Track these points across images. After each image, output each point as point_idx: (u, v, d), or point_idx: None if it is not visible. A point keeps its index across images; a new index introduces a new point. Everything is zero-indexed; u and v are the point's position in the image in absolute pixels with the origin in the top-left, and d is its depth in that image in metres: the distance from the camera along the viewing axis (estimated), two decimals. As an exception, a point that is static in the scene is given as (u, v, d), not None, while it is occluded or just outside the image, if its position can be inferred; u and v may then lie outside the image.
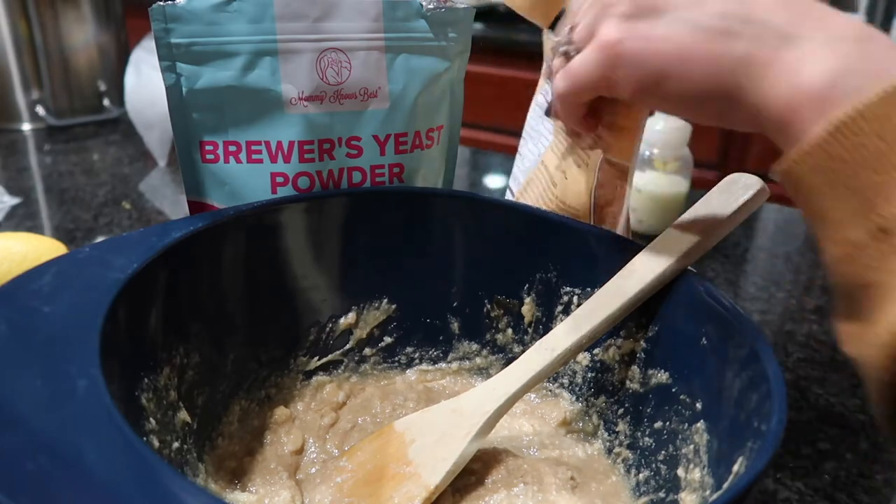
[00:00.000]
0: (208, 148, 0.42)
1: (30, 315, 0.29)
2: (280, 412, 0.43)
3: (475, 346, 0.48)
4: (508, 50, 1.62)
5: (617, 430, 0.41)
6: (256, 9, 0.39)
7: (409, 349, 0.48)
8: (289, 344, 0.45)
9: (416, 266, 0.46)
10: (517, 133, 0.55)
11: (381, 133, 0.44)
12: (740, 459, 0.28)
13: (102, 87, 1.12)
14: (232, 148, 0.42)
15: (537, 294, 0.45)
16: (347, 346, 0.47)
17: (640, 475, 0.39)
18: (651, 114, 0.58)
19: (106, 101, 1.12)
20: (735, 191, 0.39)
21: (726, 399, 0.32)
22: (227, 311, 0.41)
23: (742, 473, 0.27)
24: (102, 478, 0.21)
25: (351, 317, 0.46)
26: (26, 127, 1.07)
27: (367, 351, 0.48)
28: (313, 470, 0.40)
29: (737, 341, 0.32)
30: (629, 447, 0.40)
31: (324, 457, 0.41)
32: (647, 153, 0.77)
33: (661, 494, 0.36)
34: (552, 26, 0.47)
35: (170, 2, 0.38)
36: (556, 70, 0.38)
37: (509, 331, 0.46)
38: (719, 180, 0.40)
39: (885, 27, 1.80)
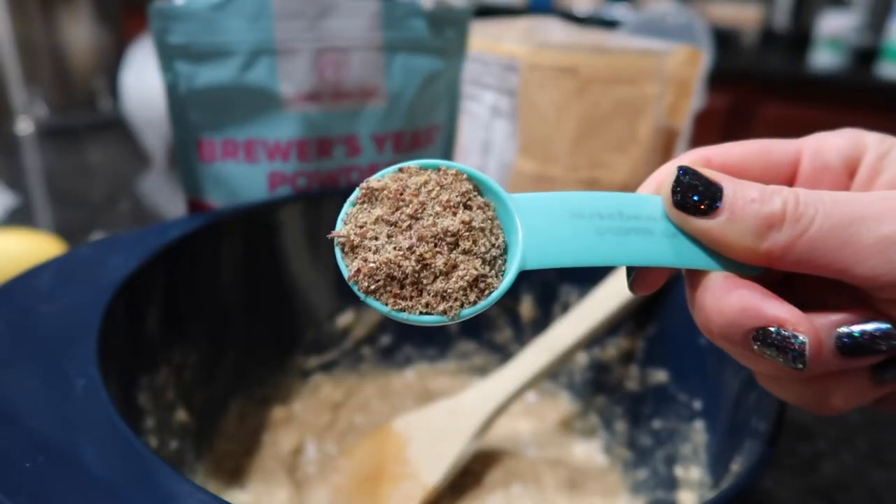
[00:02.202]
0: (206, 147, 0.42)
1: (28, 314, 0.29)
2: (278, 412, 0.43)
3: (473, 346, 0.48)
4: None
5: (615, 429, 0.41)
6: (254, 8, 0.39)
7: (407, 348, 0.48)
8: (287, 343, 0.45)
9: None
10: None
11: (379, 132, 0.44)
12: (738, 459, 0.28)
13: (100, 86, 1.12)
14: (230, 147, 0.42)
15: (536, 293, 0.45)
16: (345, 346, 0.47)
17: (639, 474, 0.39)
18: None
19: (104, 101, 1.12)
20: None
21: (725, 398, 0.32)
22: (226, 310, 0.41)
23: (740, 473, 0.27)
24: (101, 477, 0.21)
25: (349, 316, 0.46)
26: (24, 126, 1.07)
27: (366, 350, 0.48)
28: (311, 470, 0.40)
29: (735, 341, 0.32)
30: (628, 446, 0.40)
31: (322, 456, 0.41)
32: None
33: (660, 494, 0.36)
34: None
35: (168, 1, 0.38)
36: None
37: (508, 330, 0.46)
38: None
39: (880, 25, 1.80)
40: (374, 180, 0.22)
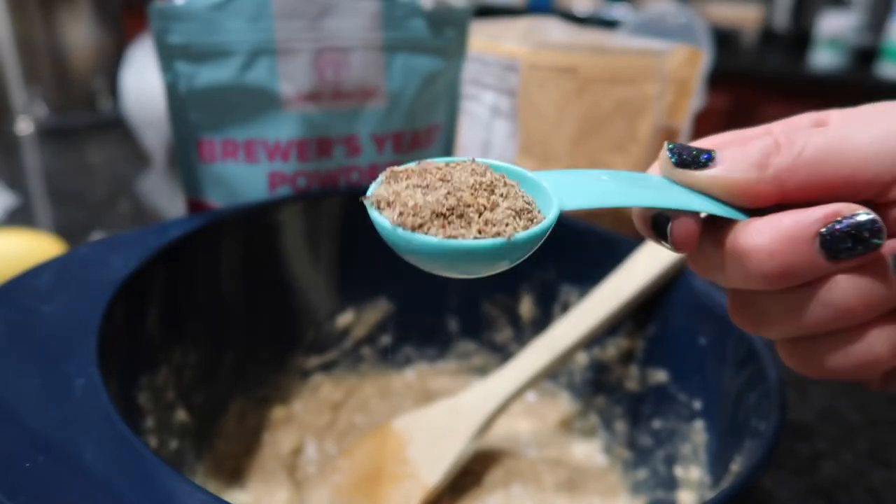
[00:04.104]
0: (206, 147, 0.42)
1: (28, 314, 0.29)
2: (278, 412, 0.43)
3: (473, 346, 0.48)
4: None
5: (615, 429, 0.41)
6: (254, 8, 0.39)
7: (407, 348, 0.48)
8: (287, 343, 0.45)
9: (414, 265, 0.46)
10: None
11: (378, 132, 0.44)
12: (738, 459, 0.28)
13: (100, 86, 1.12)
14: (230, 147, 0.42)
15: (535, 293, 0.45)
16: (345, 346, 0.47)
17: (639, 474, 0.39)
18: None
19: (104, 101, 1.12)
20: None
21: (725, 398, 0.32)
22: (225, 310, 0.41)
23: (740, 473, 0.27)
24: (101, 477, 0.21)
25: (349, 316, 0.46)
26: (24, 126, 1.07)
27: (366, 350, 0.48)
28: (311, 470, 0.40)
29: (735, 340, 0.32)
30: (628, 446, 0.40)
31: (321, 456, 0.41)
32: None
33: (660, 494, 0.36)
34: None
35: (168, 1, 0.38)
36: None
37: (507, 330, 0.46)
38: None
39: (880, 25, 1.80)
40: (397, 167, 0.21)
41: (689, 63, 0.52)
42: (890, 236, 0.21)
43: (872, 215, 0.20)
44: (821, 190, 0.21)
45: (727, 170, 0.21)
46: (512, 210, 0.20)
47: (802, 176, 0.21)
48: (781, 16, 2.08)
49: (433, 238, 0.19)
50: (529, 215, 0.20)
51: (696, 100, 0.54)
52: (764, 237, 0.21)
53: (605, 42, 0.55)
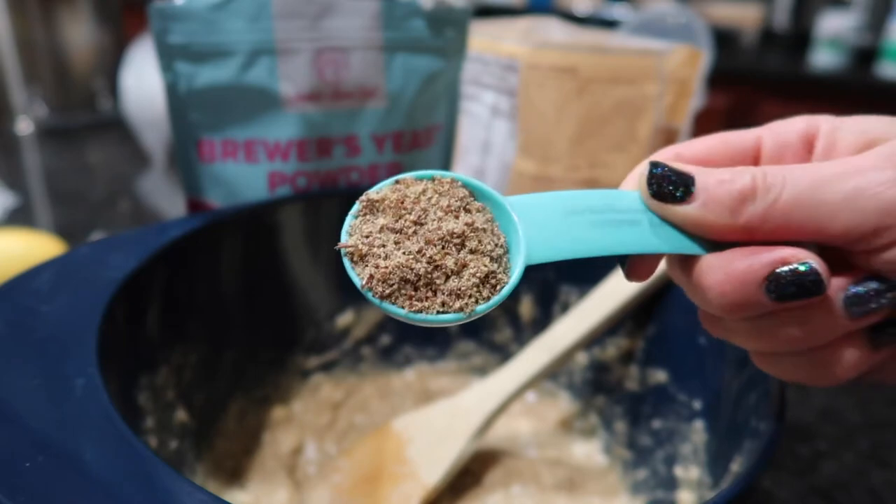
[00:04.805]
0: (206, 147, 0.42)
1: (28, 314, 0.29)
2: (278, 412, 0.43)
3: (473, 346, 0.48)
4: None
5: (615, 429, 0.41)
6: (254, 8, 0.39)
7: (406, 348, 0.48)
8: (286, 343, 0.45)
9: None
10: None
11: (378, 132, 0.44)
12: (738, 459, 0.28)
13: (100, 86, 1.12)
14: (230, 147, 0.42)
15: (536, 293, 0.45)
16: (345, 346, 0.47)
17: (639, 474, 0.39)
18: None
19: (104, 101, 1.12)
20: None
21: (725, 398, 0.32)
22: (225, 310, 0.41)
23: (740, 473, 0.27)
24: (100, 477, 0.21)
25: (349, 316, 0.46)
26: (24, 126, 1.07)
27: (365, 350, 0.48)
28: (311, 469, 0.40)
29: (735, 341, 0.32)
30: (627, 446, 0.40)
31: (321, 456, 0.41)
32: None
33: (660, 494, 0.36)
34: None
35: (168, 1, 0.38)
36: None
37: (507, 330, 0.46)
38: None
39: (879, 25, 1.80)
40: (373, 192, 0.22)
41: (689, 63, 0.52)
42: (875, 273, 0.21)
43: (814, 265, 0.20)
44: (791, 237, 0.21)
45: (700, 209, 0.22)
46: (477, 278, 0.21)
47: (773, 225, 0.21)
48: (781, 16, 2.08)
49: (400, 310, 0.21)
50: (494, 280, 0.21)
51: (696, 100, 0.54)
52: (717, 276, 0.22)
53: (605, 42, 0.55)
